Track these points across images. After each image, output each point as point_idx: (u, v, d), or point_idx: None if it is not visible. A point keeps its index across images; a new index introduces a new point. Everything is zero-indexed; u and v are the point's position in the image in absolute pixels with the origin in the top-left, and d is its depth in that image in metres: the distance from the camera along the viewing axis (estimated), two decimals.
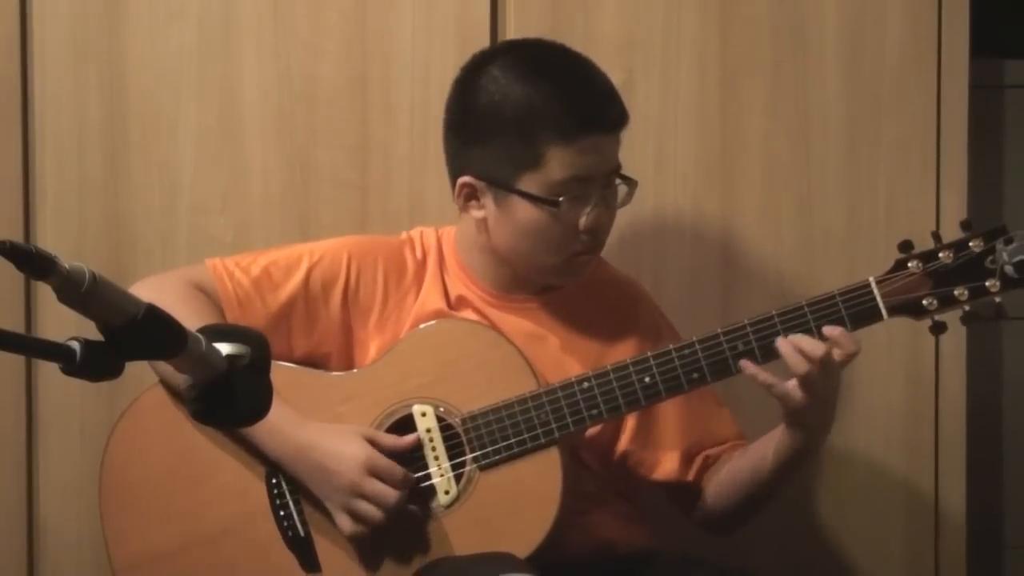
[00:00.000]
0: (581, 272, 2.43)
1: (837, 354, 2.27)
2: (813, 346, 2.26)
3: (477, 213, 2.40)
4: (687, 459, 2.47)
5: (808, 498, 2.84)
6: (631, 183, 2.41)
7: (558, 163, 2.33)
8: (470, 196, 2.39)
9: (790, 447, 2.35)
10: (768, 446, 2.38)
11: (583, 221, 2.36)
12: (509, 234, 2.39)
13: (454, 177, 2.41)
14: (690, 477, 2.48)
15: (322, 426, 2.36)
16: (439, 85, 2.72)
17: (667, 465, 2.47)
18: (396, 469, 2.33)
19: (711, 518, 2.48)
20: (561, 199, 2.33)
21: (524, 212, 2.36)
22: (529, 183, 2.34)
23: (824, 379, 2.26)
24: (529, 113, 2.33)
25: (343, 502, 2.34)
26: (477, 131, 2.38)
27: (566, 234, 2.36)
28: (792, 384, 2.27)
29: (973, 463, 2.85)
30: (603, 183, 2.37)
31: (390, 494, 2.32)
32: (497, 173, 2.36)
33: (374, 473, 2.32)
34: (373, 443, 2.34)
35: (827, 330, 2.28)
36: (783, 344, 2.28)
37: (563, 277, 2.43)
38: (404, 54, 2.78)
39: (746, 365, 2.29)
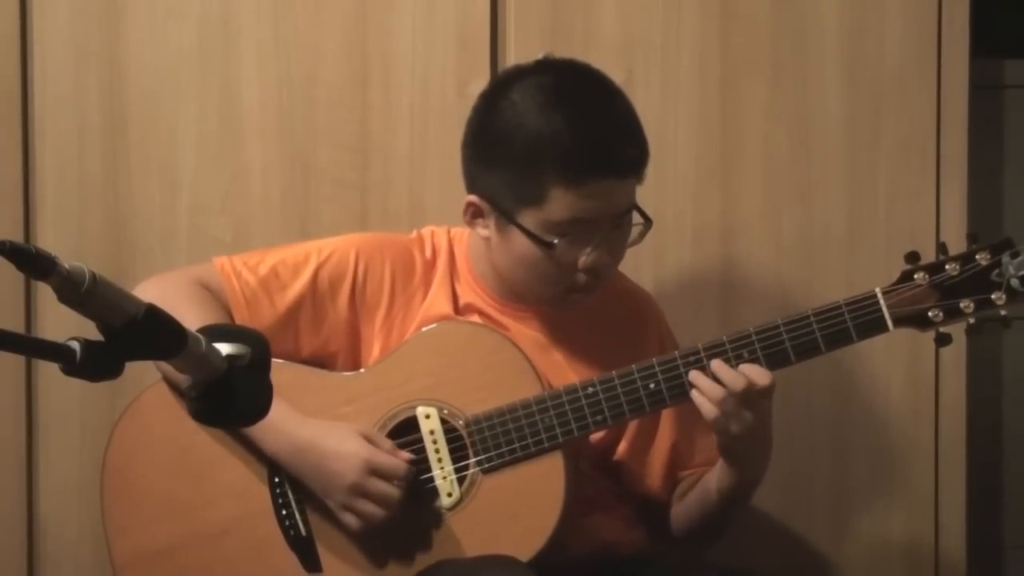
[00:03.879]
0: (577, 307, 2.39)
1: (751, 389, 2.27)
2: (711, 388, 2.27)
3: (482, 231, 2.38)
4: (669, 478, 2.48)
5: (808, 498, 2.84)
6: (646, 223, 2.37)
7: (560, 204, 2.28)
8: (476, 214, 2.37)
9: (728, 479, 2.37)
10: (712, 478, 2.40)
11: (582, 261, 2.32)
12: (507, 260, 2.37)
13: (467, 190, 2.38)
14: (665, 496, 2.49)
15: (322, 424, 2.35)
16: (439, 85, 2.73)
17: (649, 481, 2.48)
18: (397, 466, 2.32)
19: (674, 538, 2.50)
20: (556, 241, 2.30)
21: (521, 244, 2.33)
22: (528, 218, 2.31)
23: (736, 418, 2.27)
24: (537, 149, 2.28)
25: (345, 502, 2.33)
26: (487, 154, 2.35)
27: (562, 272, 2.33)
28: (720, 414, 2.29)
29: (973, 463, 2.85)
30: (610, 224, 2.32)
31: (392, 492, 2.31)
32: (500, 200, 2.33)
33: (375, 471, 2.32)
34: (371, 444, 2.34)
35: (743, 367, 2.29)
36: (692, 389, 2.29)
37: (558, 309, 2.41)
38: (404, 54, 2.78)
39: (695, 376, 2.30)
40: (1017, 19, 3.01)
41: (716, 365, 2.29)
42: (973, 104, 2.81)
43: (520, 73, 2.38)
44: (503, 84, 2.36)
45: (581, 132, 2.29)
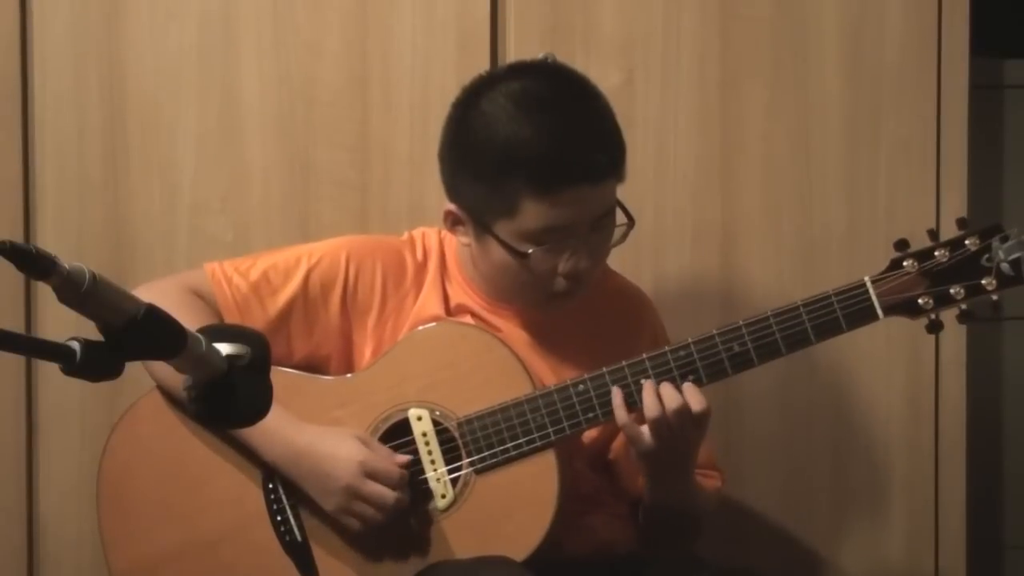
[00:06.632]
0: (560, 308, 2.39)
1: (684, 413, 2.27)
2: (671, 396, 2.27)
3: (463, 239, 2.38)
4: None
5: (808, 498, 2.84)
6: (629, 223, 2.35)
7: (533, 215, 2.27)
8: (456, 222, 2.37)
9: (650, 495, 2.38)
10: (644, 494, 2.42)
11: (561, 267, 2.31)
12: (487, 267, 2.37)
13: (447, 199, 2.38)
14: None
15: (318, 429, 2.35)
16: (439, 85, 2.73)
17: (636, 482, 2.47)
18: (393, 469, 2.32)
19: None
20: (531, 251, 2.29)
21: (498, 254, 2.33)
22: (503, 228, 2.30)
23: (678, 429, 2.28)
24: (506, 161, 2.27)
25: (341, 505, 2.33)
26: (460, 166, 2.35)
27: (541, 278, 2.32)
28: (644, 429, 2.29)
29: (973, 463, 2.85)
30: (589, 228, 2.30)
31: (388, 495, 2.32)
32: (476, 211, 2.32)
33: (371, 475, 2.32)
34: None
35: (685, 386, 2.29)
36: (647, 388, 2.29)
37: (542, 312, 2.41)
38: (404, 54, 2.78)
39: (617, 407, 2.30)
40: (1017, 19, 3.01)
41: (664, 386, 2.29)
42: (973, 104, 2.81)
43: (490, 81, 2.36)
44: (472, 93, 2.35)
45: (549, 141, 2.27)
